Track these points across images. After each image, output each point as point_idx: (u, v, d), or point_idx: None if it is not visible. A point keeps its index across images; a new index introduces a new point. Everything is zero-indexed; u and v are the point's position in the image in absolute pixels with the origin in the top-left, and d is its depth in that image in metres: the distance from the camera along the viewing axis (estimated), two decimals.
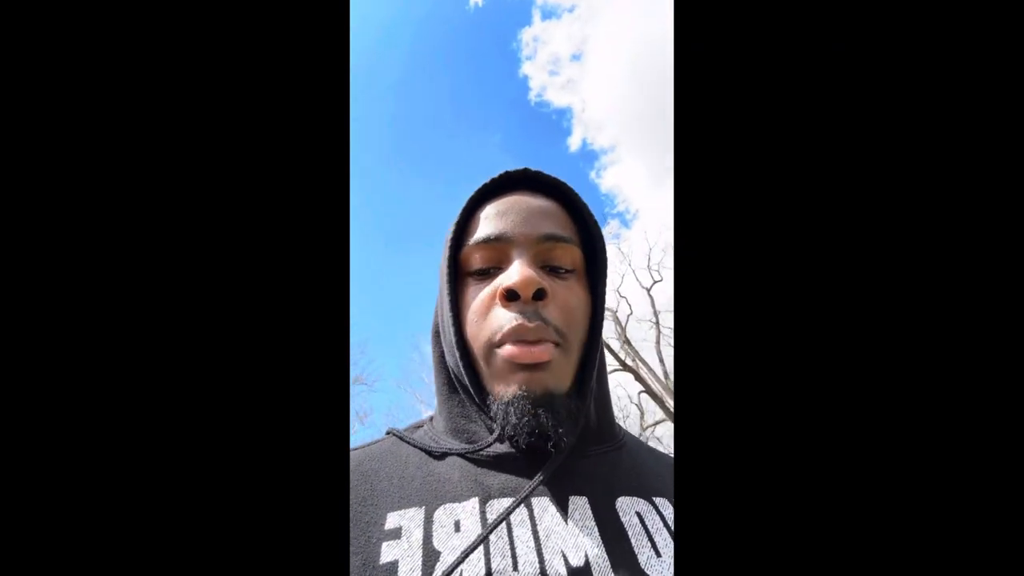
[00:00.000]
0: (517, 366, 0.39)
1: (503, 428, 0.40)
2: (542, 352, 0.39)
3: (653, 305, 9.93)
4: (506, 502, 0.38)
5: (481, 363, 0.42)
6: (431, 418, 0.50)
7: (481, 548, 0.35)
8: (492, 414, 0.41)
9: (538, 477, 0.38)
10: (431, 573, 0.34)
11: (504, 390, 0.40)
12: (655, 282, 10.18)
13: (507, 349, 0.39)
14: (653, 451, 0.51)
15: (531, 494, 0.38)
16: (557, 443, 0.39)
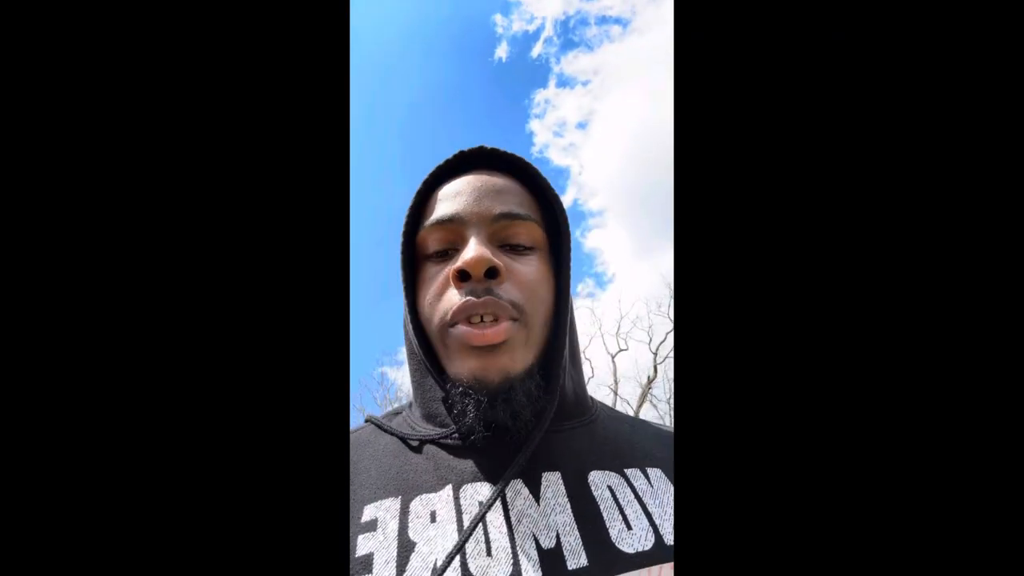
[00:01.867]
0: (471, 348, 0.38)
1: (461, 422, 0.38)
2: (496, 333, 0.37)
3: (615, 373, 9.99)
4: (479, 486, 0.38)
5: (437, 345, 0.41)
6: (410, 404, 0.49)
7: (455, 535, 0.34)
8: (450, 402, 0.40)
9: (508, 473, 0.37)
10: (406, 563, 0.33)
11: (458, 371, 0.39)
12: (621, 350, 10.29)
13: (460, 329, 0.38)
14: (628, 419, 0.50)
15: (503, 482, 0.37)
16: (517, 433, 0.38)
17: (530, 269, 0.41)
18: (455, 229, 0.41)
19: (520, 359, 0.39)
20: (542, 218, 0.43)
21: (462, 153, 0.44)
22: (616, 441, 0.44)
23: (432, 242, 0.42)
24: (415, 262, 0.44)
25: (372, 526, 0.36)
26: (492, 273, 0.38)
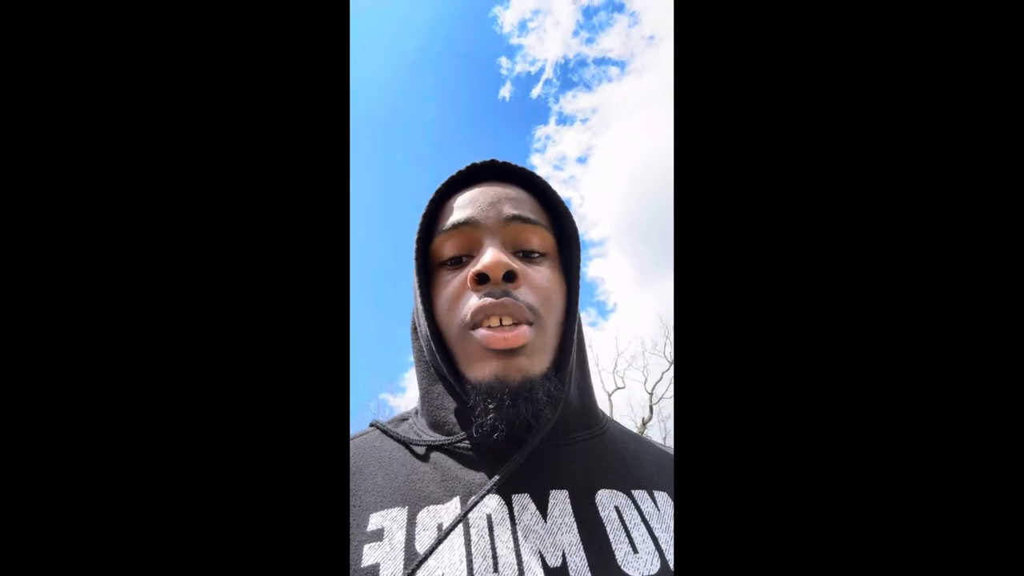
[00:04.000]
0: (491, 352, 0.38)
1: (482, 421, 0.38)
2: (516, 337, 0.38)
3: (611, 411, 9.80)
4: (487, 499, 0.37)
5: (455, 349, 0.41)
6: (416, 410, 0.49)
7: (463, 549, 0.34)
8: (471, 403, 0.39)
9: (510, 463, 0.37)
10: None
11: (479, 374, 0.39)
12: (617, 388, 10.15)
13: (481, 333, 0.39)
14: (635, 436, 0.51)
15: (512, 489, 0.37)
16: (538, 429, 0.38)
17: (543, 275, 0.42)
18: (470, 233, 0.42)
19: (538, 363, 0.40)
20: (552, 228, 0.45)
21: (474, 165, 0.45)
22: (624, 459, 0.44)
23: (448, 248, 0.42)
24: (429, 271, 0.44)
25: (379, 536, 0.35)
26: (510, 277, 0.39)
